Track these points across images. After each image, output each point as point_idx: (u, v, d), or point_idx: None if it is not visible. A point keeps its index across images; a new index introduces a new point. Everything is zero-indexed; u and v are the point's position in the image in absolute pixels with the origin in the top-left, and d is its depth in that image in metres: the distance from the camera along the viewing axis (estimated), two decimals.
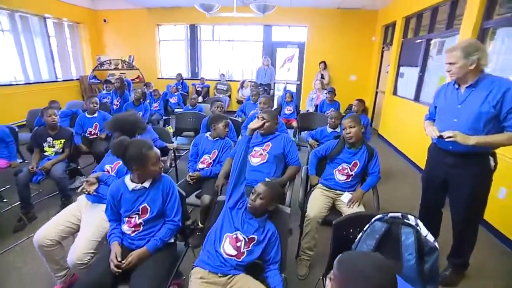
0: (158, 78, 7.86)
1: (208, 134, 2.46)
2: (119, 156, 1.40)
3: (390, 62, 5.41)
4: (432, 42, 4.11)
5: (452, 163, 1.74)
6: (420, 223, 1.22)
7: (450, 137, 1.54)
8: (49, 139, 2.58)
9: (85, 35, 7.31)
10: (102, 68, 6.97)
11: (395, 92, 5.22)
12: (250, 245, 1.39)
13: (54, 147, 2.59)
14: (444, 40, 3.85)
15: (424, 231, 1.19)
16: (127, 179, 1.48)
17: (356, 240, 1.30)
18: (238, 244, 1.38)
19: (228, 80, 7.49)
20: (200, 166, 2.38)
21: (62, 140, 2.62)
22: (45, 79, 6.32)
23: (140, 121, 1.93)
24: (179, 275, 1.72)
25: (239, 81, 7.33)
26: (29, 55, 5.94)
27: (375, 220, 1.28)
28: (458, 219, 1.83)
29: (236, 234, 1.40)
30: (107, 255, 1.37)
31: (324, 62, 6.62)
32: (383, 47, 6.21)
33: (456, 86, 1.70)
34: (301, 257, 1.99)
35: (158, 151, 1.48)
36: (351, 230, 1.36)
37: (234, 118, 3.67)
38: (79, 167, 2.78)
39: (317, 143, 3.15)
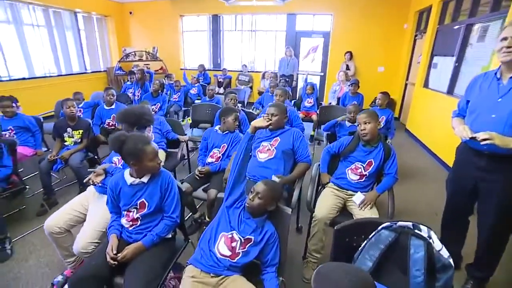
0: (181, 69, 7.97)
1: (217, 127, 2.41)
2: (116, 150, 1.39)
3: (422, 51, 4.97)
4: (475, 27, 3.67)
5: (485, 166, 1.52)
6: (434, 236, 1.07)
7: (486, 139, 1.31)
8: (69, 129, 2.70)
9: (112, 28, 7.57)
10: (128, 59, 7.20)
11: (426, 85, 4.80)
12: (246, 246, 1.33)
13: (73, 137, 2.70)
14: (488, 24, 3.41)
15: (437, 245, 1.05)
16: (127, 173, 1.47)
17: (359, 249, 1.19)
18: (233, 244, 1.32)
19: (251, 71, 7.39)
20: (209, 160, 2.35)
21: (81, 131, 2.72)
22: (76, 71, 6.69)
23: (146, 113, 1.92)
24: (180, 269, 1.71)
25: (261, 72, 7.20)
26: (61, 48, 6.29)
27: (382, 228, 1.16)
28: (486, 230, 1.62)
29: (232, 233, 1.35)
30: (104, 247, 1.39)
31: (350, 52, 6.27)
32: (415, 35, 5.72)
33: (498, 75, 1.46)
34: (308, 260, 1.90)
35: (156, 146, 1.45)
36: (355, 237, 1.24)
37: (249, 111, 3.59)
38: (96, 157, 2.88)
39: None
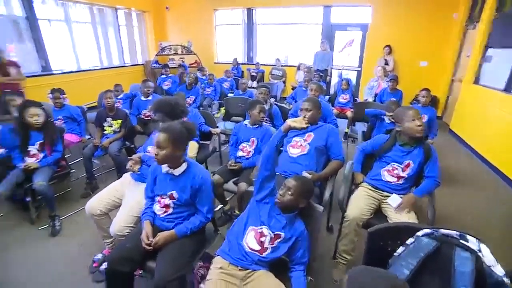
0: (215, 63, 8.09)
1: (246, 121, 2.41)
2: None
3: (474, 43, 4.51)
4: None
5: None
6: (485, 249, 0.96)
7: None
8: (108, 119, 2.88)
9: (149, 23, 7.88)
10: (163, 53, 7.46)
11: (477, 81, 4.35)
12: (275, 242, 1.31)
13: (112, 126, 2.87)
14: None
15: (489, 260, 0.94)
16: None
17: (395, 254, 1.11)
18: (262, 239, 1.31)
19: (284, 65, 7.27)
20: (240, 154, 2.35)
21: (120, 121, 2.89)
22: (116, 65, 7.10)
23: (180, 104, 1.96)
24: (209, 259, 1.75)
25: (295, 66, 7.04)
26: (104, 43, 6.70)
27: (422, 235, 1.07)
28: None
29: (261, 228, 1.33)
30: (138, 232, 1.46)
31: (389, 46, 5.87)
32: (466, 25, 5.19)
33: None
34: (338, 261, 1.83)
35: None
36: (389, 242, 1.16)
37: (281, 105, 3.54)
38: (132, 146, 3.04)
39: None
